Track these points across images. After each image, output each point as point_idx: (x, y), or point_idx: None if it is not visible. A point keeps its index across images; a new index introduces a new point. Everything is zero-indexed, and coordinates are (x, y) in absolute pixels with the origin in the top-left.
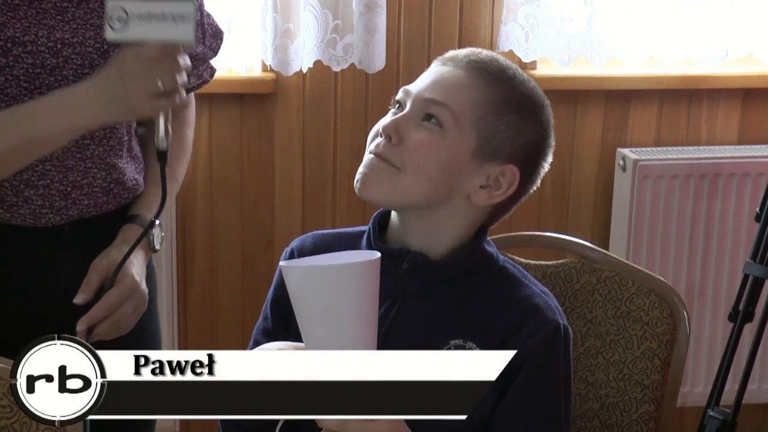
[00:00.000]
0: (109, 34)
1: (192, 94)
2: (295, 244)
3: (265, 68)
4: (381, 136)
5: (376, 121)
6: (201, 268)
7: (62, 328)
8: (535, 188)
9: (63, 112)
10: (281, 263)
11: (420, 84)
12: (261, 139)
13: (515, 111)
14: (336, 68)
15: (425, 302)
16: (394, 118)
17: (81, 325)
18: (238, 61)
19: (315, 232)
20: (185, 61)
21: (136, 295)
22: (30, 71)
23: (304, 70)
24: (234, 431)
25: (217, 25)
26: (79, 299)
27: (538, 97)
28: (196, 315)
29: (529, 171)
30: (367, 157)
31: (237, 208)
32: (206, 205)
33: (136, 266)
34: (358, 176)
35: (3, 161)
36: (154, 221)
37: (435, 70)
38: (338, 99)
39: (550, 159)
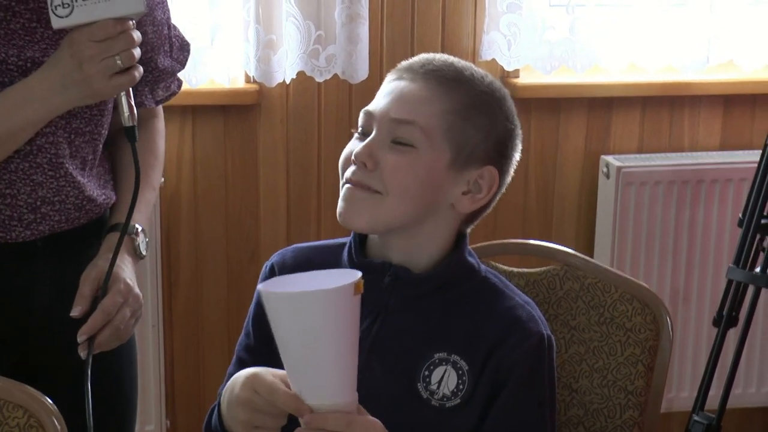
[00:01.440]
0: (56, 22)
1: (160, 107)
2: (275, 258)
3: (248, 80)
4: (354, 164)
5: None
6: (186, 280)
7: (39, 342)
8: (509, 180)
9: (21, 107)
10: (259, 286)
11: (380, 104)
12: (245, 151)
13: (481, 112)
14: (319, 79)
15: (408, 316)
16: (365, 143)
17: (81, 336)
18: (221, 72)
19: (295, 245)
20: (138, 35)
21: (131, 299)
22: None
23: (287, 81)
24: None
25: (184, 37)
26: (75, 312)
27: (498, 90)
28: (182, 327)
29: (504, 166)
30: (346, 188)
31: (221, 220)
32: (191, 216)
33: (127, 271)
34: (339, 209)
35: None
36: (133, 203)
37: (392, 86)
38: (322, 109)
39: (520, 147)
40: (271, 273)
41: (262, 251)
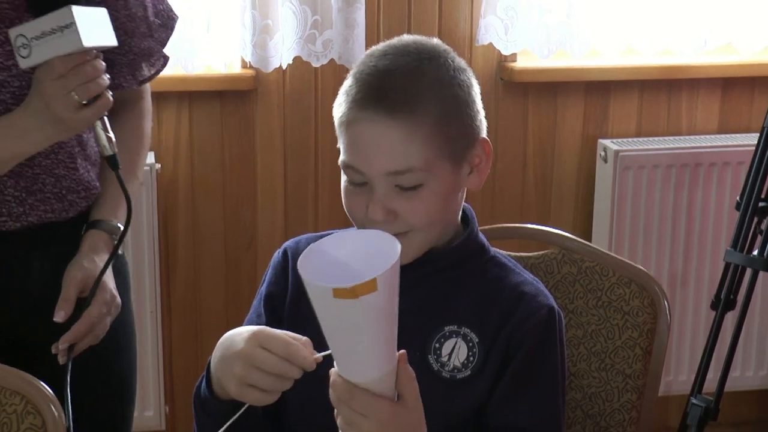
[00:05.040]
0: (22, 63)
1: (148, 85)
2: (289, 244)
3: (244, 65)
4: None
5: None
6: (184, 267)
7: (35, 321)
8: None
9: (5, 140)
10: (299, 263)
11: (361, 159)
12: (242, 137)
13: (448, 102)
14: (316, 64)
15: (420, 292)
16: (375, 204)
17: (64, 343)
18: (217, 58)
19: (307, 234)
20: (97, 65)
21: (114, 310)
22: None
23: (284, 67)
24: (205, 420)
25: (170, 12)
26: (59, 317)
27: (435, 54)
28: (180, 313)
29: (483, 123)
30: None
31: (219, 206)
32: (188, 202)
33: (109, 276)
34: None
35: None
36: (125, 230)
37: (360, 134)
38: (318, 94)
39: (477, 82)
40: (284, 258)
41: (259, 237)
